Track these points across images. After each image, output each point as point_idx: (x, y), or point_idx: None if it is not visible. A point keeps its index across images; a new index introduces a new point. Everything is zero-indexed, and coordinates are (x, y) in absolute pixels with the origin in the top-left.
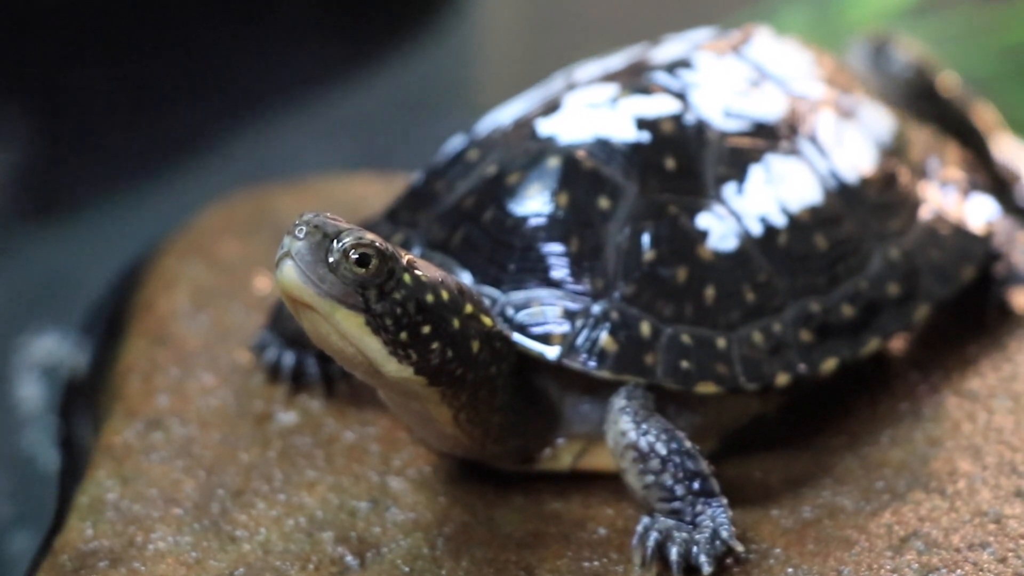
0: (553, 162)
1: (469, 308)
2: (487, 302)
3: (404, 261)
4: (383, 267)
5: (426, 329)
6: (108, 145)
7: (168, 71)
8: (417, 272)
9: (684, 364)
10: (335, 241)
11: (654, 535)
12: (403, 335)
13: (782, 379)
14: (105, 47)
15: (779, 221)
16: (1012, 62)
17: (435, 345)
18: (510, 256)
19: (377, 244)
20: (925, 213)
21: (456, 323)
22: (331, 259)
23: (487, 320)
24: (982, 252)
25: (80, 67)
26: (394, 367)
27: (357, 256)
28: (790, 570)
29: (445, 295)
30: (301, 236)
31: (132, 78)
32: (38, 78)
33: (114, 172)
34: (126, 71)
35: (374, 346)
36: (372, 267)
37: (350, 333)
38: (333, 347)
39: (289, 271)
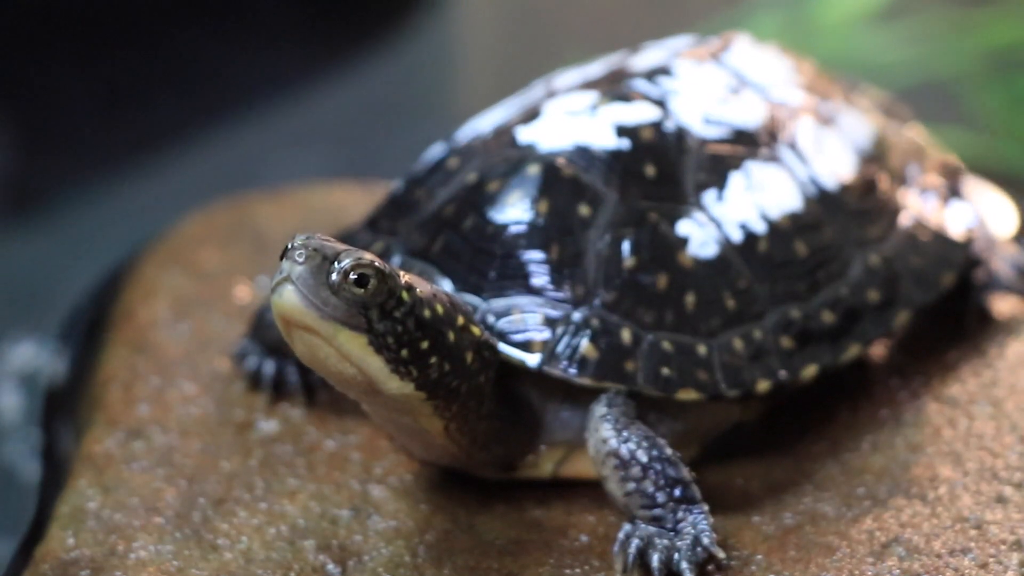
0: (533, 169)
1: (461, 320)
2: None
3: (402, 279)
4: (383, 287)
5: (425, 344)
6: (86, 151)
7: (147, 78)
8: (415, 289)
9: (665, 371)
10: (335, 263)
11: (635, 542)
12: (404, 352)
13: (763, 386)
14: (82, 53)
15: (759, 228)
16: (987, 62)
17: (433, 359)
18: (490, 264)
19: (376, 264)
20: (905, 219)
21: (452, 336)
22: (332, 282)
23: (476, 330)
24: (962, 258)
25: (58, 73)
26: (396, 384)
27: (356, 277)
28: None
29: (440, 309)
30: (300, 260)
31: (111, 84)
32: (15, 84)
33: (91, 178)
34: (104, 77)
35: (376, 365)
36: (372, 287)
37: (353, 354)
38: (331, 369)
39: (290, 296)
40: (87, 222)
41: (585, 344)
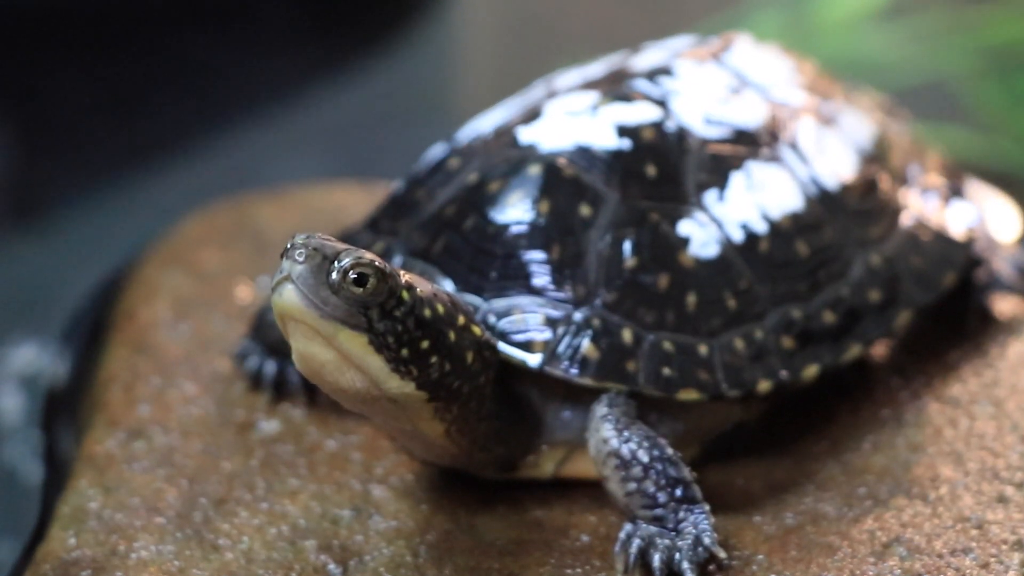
0: (534, 170)
1: (462, 320)
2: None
3: (403, 279)
4: (383, 286)
5: (425, 344)
6: (87, 153)
7: (148, 80)
8: (415, 288)
9: (666, 371)
10: (335, 262)
11: (636, 542)
12: (404, 352)
13: (764, 386)
14: (84, 55)
15: (760, 228)
16: (987, 61)
17: (434, 359)
18: (491, 264)
19: (376, 263)
20: (906, 219)
21: (452, 336)
22: (332, 281)
23: (477, 330)
24: (963, 258)
25: (59, 75)
26: (396, 384)
27: (356, 276)
28: None
29: (441, 309)
30: (301, 259)
31: (111, 86)
32: (17, 86)
33: (93, 180)
34: (105, 79)
35: (376, 365)
36: (371, 286)
37: (353, 353)
38: (328, 375)
39: (290, 295)
40: (88, 223)
41: (586, 344)
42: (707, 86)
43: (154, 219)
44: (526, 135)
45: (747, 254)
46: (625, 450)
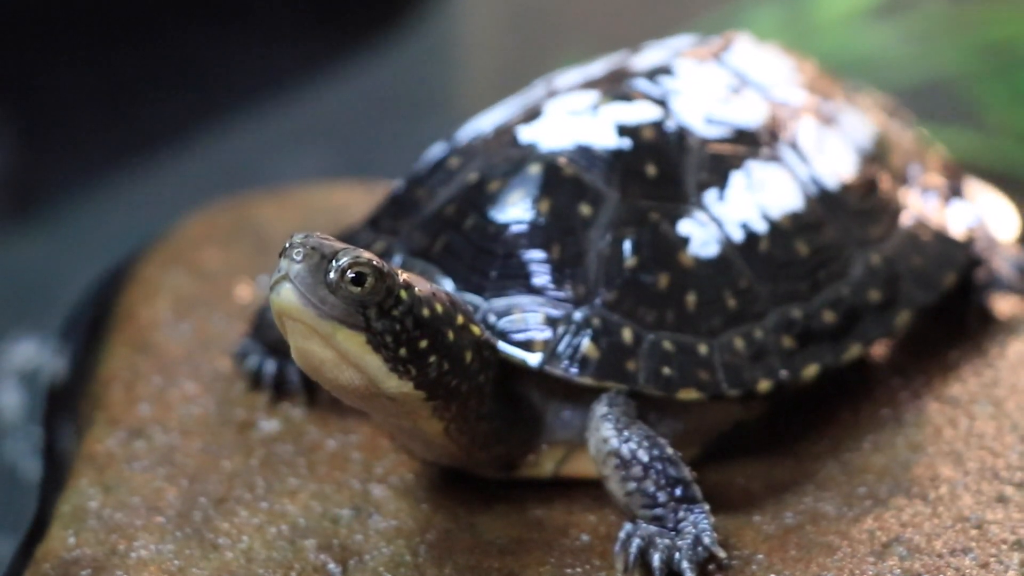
0: (534, 169)
1: (461, 319)
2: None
3: (401, 278)
4: (381, 285)
5: (424, 343)
6: (87, 150)
7: (148, 77)
8: (413, 288)
9: (666, 370)
10: (333, 261)
11: (636, 541)
12: (402, 351)
13: (764, 385)
14: (84, 52)
15: (760, 227)
16: (985, 59)
17: (432, 358)
18: (492, 263)
19: (374, 263)
20: (906, 219)
21: (451, 335)
22: (330, 280)
23: (476, 329)
24: (963, 258)
25: (59, 72)
26: (394, 383)
27: (354, 275)
28: None
29: (439, 308)
30: (299, 259)
31: (112, 83)
32: (17, 82)
33: (93, 177)
34: (106, 76)
35: (375, 364)
36: (369, 285)
37: (351, 353)
38: (327, 373)
39: (288, 294)
40: (89, 221)
41: (586, 344)
42: (707, 85)
43: (155, 217)
44: (526, 134)
45: (747, 253)
46: (625, 450)
